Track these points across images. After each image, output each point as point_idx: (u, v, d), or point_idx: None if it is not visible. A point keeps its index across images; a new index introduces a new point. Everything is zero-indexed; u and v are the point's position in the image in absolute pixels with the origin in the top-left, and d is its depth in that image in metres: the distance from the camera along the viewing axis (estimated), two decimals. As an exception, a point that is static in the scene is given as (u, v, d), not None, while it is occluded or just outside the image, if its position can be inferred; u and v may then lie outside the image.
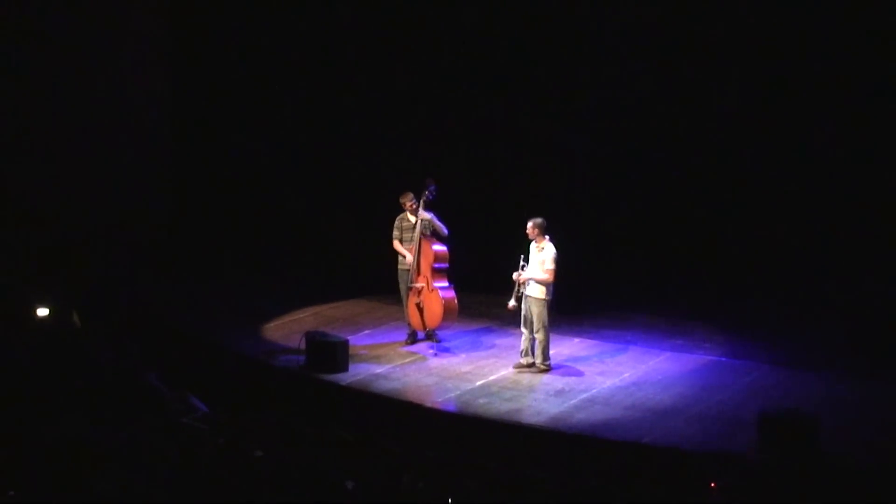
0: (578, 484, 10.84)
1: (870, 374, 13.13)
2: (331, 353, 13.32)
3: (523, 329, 13.33)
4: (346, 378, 13.13)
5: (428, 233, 14.05)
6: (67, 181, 16.98)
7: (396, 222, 14.21)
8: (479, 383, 13.01)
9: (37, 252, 16.15)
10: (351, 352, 13.56)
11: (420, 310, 14.06)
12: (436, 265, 13.96)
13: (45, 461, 9.58)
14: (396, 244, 14.21)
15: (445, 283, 14.02)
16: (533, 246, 13.18)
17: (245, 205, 18.49)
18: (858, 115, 14.63)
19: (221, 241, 18.16)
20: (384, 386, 12.92)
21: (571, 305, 15.18)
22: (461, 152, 17.01)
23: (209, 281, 17.24)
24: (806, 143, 15.04)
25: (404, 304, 14.29)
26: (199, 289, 16.93)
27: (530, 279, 13.04)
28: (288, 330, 14.88)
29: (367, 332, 15.01)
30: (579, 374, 13.32)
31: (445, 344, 14.33)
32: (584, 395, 12.57)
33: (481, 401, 12.43)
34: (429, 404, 12.48)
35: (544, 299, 13.09)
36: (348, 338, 13.85)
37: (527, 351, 13.37)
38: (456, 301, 14.03)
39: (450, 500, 9.40)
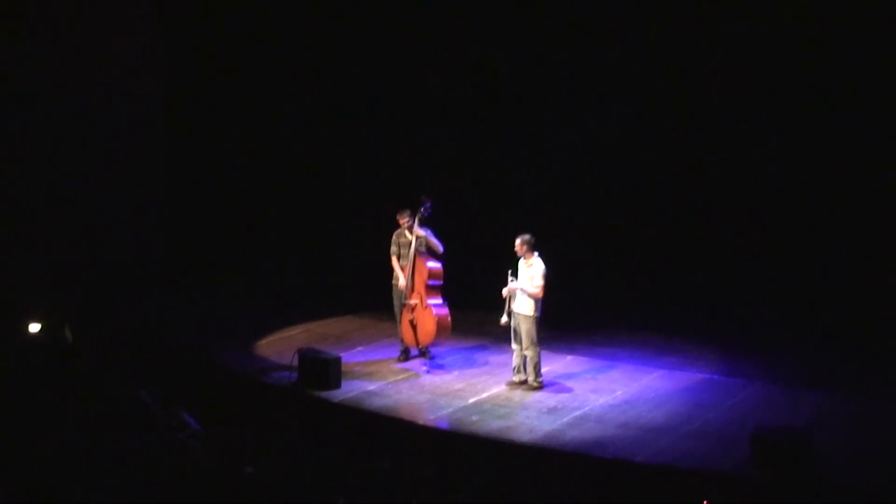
0: (571, 502, 10.84)
1: (863, 391, 13.13)
2: (323, 370, 13.29)
3: (514, 346, 13.33)
4: (338, 395, 13.11)
5: (423, 250, 14.05)
6: (60, 196, 16.94)
7: (394, 238, 14.26)
8: (471, 400, 13.00)
9: (29, 267, 16.10)
10: (343, 369, 13.53)
11: (413, 326, 14.06)
12: (430, 282, 13.96)
13: (37, 477, 9.54)
14: (394, 260, 14.22)
15: (439, 301, 14.02)
16: (522, 262, 13.19)
17: (237, 221, 18.48)
18: (849, 134, 14.70)
19: (214, 257, 18.15)
20: (376, 403, 12.90)
21: (564, 322, 15.20)
22: (454, 169, 17.04)
23: (201, 297, 17.22)
24: (798, 160, 15.10)
25: (398, 320, 14.28)
26: (192, 305, 16.92)
27: (518, 289, 13.04)
28: (280, 347, 14.87)
29: (359, 348, 15.00)
30: (572, 391, 13.31)
31: (438, 361, 14.33)
32: (577, 413, 12.56)
33: (474, 418, 12.42)
34: (421, 421, 12.46)
35: (533, 316, 13.10)
36: (341, 355, 13.83)
37: (519, 368, 13.36)
38: (449, 318, 14.03)
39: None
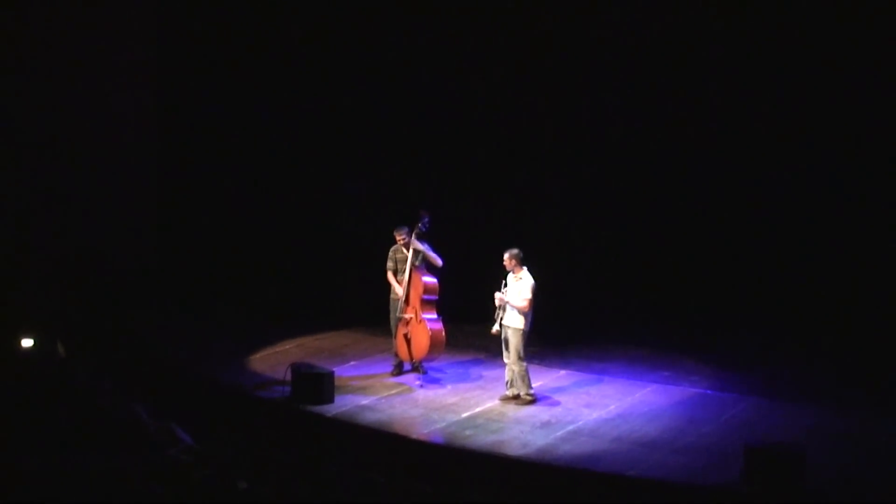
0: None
1: (856, 406, 13.13)
2: (316, 384, 13.27)
3: (506, 360, 13.33)
4: (331, 409, 13.09)
5: (419, 264, 14.06)
6: (52, 209, 16.92)
7: (390, 253, 14.29)
8: (465, 415, 12.99)
9: (22, 282, 16.07)
10: (337, 383, 13.51)
11: (408, 340, 14.06)
12: (425, 297, 13.97)
13: (29, 493, 9.50)
14: (390, 275, 14.24)
15: (434, 315, 14.02)
16: (510, 277, 13.21)
17: (232, 235, 18.47)
18: (844, 153, 14.77)
19: (207, 271, 18.12)
20: (370, 417, 12.88)
21: (558, 337, 15.25)
22: (448, 183, 17.05)
23: (194, 312, 17.18)
24: (793, 174, 15.16)
25: (393, 333, 14.28)
26: (185, 319, 16.88)
27: (508, 303, 13.07)
28: (273, 361, 14.83)
29: (352, 363, 14.98)
30: (565, 405, 13.30)
31: (432, 375, 14.32)
32: (571, 427, 12.55)
33: (467, 432, 12.40)
34: (414, 436, 12.45)
35: (522, 329, 13.12)
36: (334, 369, 13.81)
37: (512, 382, 13.36)
38: (443, 333, 14.03)
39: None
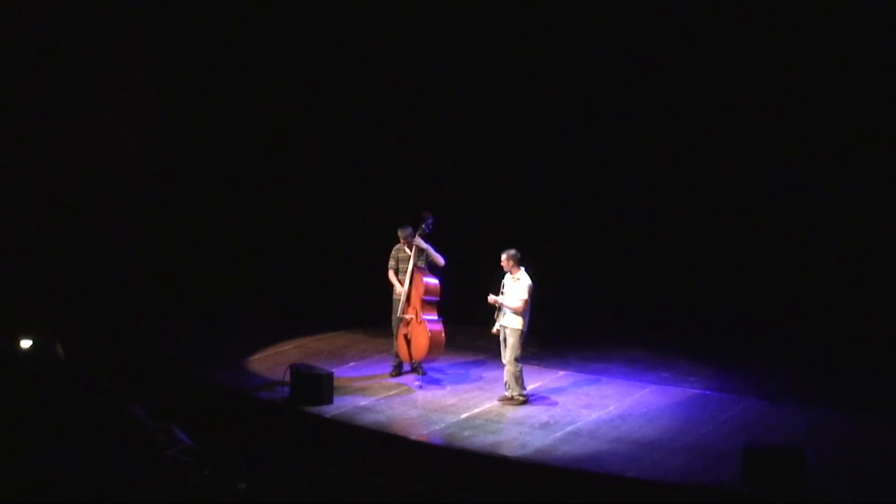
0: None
1: (856, 407, 13.13)
2: (316, 385, 13.25)
3: (504, 361, 13.33)
4: (330, 410, 13.07)
5: (422, 264, 14.06)
6: (51, 211, 16.92)
7: (393, 252, 14.29)
8: (464, 416, 12.98)
9: (20, 283, 16.06)
10: (336, 384, 13.49)
11: (408, 341, 14.05)
12: (426, 297, 13.96)
13: (29, 494, 9.47)
14: (391, 274, 14.24)
15: (434, 316, 14.01)
16: (508, 277, 13.21)
17: (231, 236, 18.46)
18: (843, 150, 14.76)
19: (206, 272, 18.10)
20: (369, 418, 12.86)
21: (557, 338, 15.24)
22: (448, 184, 17.05)
23: (193, 313, 17.16)
24: (792, 178, 15.15)
25: (394, 333, 14.29)
26: (184, 320, 16.85)
27: (503, 305, 13.07)
28: (272, 362, 14.80)
29: (352, 364, 14.96)
30: (564, 406, 13.30)
31: (432, 376, 14.31)
32: (569, 428, 12.55)
33: (466, 433, 12.39)
34: (414, 437, 12.44)
35: (520, 329, 13.12)
36: (333, 370, 13.80)
37: (508, 383, 13.33)
38: (443, 335, 14.00)
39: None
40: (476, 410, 13.16)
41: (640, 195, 16.19)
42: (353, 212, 17.87)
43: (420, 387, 13.96)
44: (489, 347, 14.30)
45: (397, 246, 14.27)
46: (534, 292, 13.09)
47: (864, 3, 14.62)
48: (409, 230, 14.10)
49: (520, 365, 13.24)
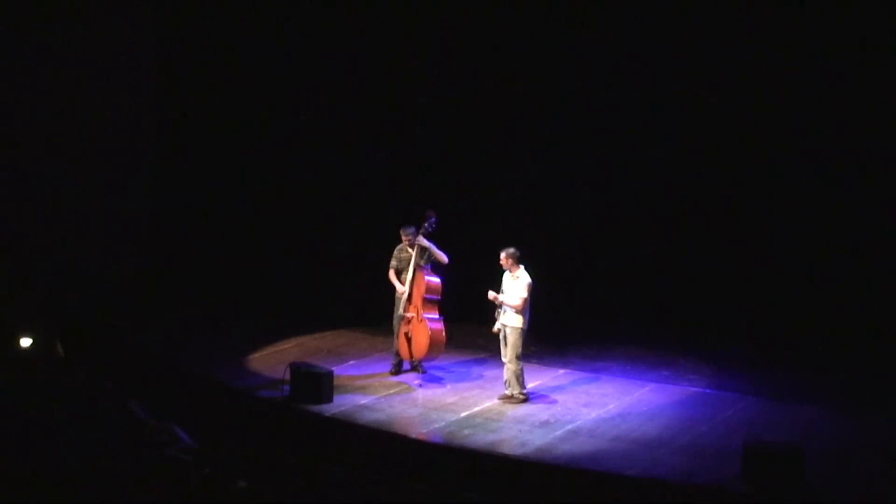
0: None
1: (856, 406, 13.13)
2: (315, 383, 13.25)
3: (504, 359, 13.33)
4: (330, 409, 13.07)
5: (424, 262, 14.05)
6: (50, 209, 16.91)
7: (395, 252, 14.29)
8: (463, 414, 12.98)
9: (20, 281, 16.06)
10: (336, 382, 13.49)
11: (408, 339, 14.05)
12: (427, 296, 13.95)
13: (29, 492, 9.47)
14: (391, 274, 14.23)
15: (435, 315, 14.00)
16: (507, 276, 13.21)
17: (230, 234, 18.45)
18: (843, 150, 14.75)
19: (206, 270, 18.10)
20: (369, 417, 12.86)
21: (557, 336, 15.25)
22: (448, 184, 17.03)
23: (193, 310, 17.16)
24: (791, 175, 15.14)
25: (395, 332, 14.28)
26: (183, 319, 16.85)
27: (503, 302, 13.07)
28: (272, 361, 14.81)
29: (351, 362, 14.97)
30: (564, 405, 13.30)
31: (432, 374, 14.31)
32: (569, 427, 12.55)
33: (466, 432, 12.39)
34: (413, 435, 12.43)
35: (520, 328, 13.12)
36: (333, 368, 13.80)
37: (509, 381, 13.34)
38: (443, 333, 13.99)
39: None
40: (476, 409, 13.16)
41: (640, 193, 16.16)
42: (352, 210, 17.83)
43: (420, 385, 13.96)
44: (489, 346, 14.31)
45: (399, 246, 14.26)
46: (534, 290, 13.08)
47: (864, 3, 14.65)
48: (411, 229, 14.10)
49: (521, 364, 13.23)
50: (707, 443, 12.08)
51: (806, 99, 14.85)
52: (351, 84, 17.90)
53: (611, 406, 13.27)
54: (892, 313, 14.42)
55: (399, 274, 14.24)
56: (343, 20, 17.87)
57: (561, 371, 14.63)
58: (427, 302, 13.96)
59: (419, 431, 12.52)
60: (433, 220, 13.99)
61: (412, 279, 14.03)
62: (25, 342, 13.78)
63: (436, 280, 14.02)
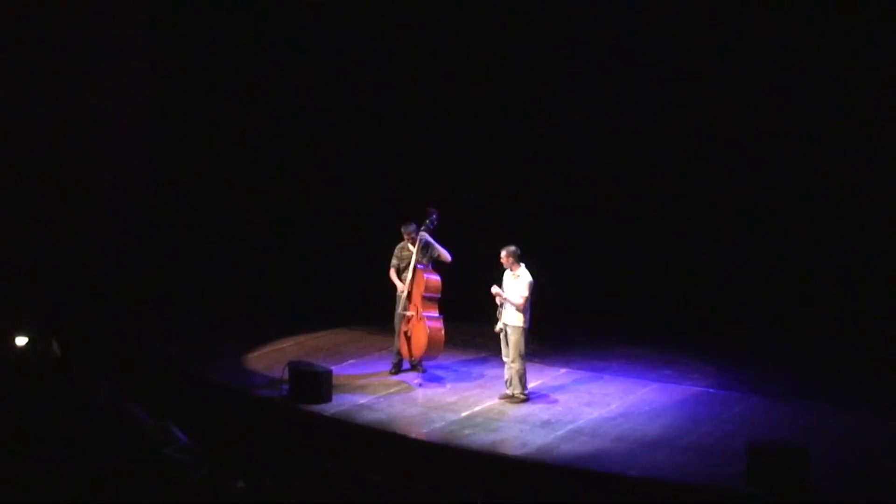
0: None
1: (859, 405, 13.09)
2: (314, 383, 13.19)
3: (505, 359, 13.27)
4: (329, 408, 13.01)
5: (425, 261, 13.97)
6: (47, 207, 16.88)
7: (396, 251, 14.19)
8: (464, 414, 12.92)
9: (16, 280, 16.00)
10: (335, 382, 13.43)
11: (408, 338, 13.97)
12: (426, 294, 13.87)
13: (25, 493, 9.40)
14: (392, 273, 14.15)
15: (435, 314, 13.91)
16: (508, 274, 13.14)
17: (228, 233, 18.41)
18: (844, 149, 14.79)
19: (204, 269, 18.05)
20: (368, 416, 12.80)
21: (558, 335, 15.22)
22: (449, 182, 17.00)
23: (190, 310, 17.08)
24: (793, 173, 15.19)
25: (396, 330, 14.20)
26: (181, 318, 16.78)
27: (506, 300, 13.01)
28: (270, 360, 14.74)
29: (351, 361, 14.90)
30: (566, 404, 13.24)
31: (432, 373, 14.24)
32: (571, 426, 12.49)
33: (466, 432, 12.34)
34: (413, 435, 12.37)
35: (522, 327, 13.06)
36: (332, 368, 13.73)
37: (511, 380, 13.27)
38: (443, 332, 13.90)
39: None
40: (477, 408, 13.10)
41: (643, 191, 16.20)
42: (351, 208, 17.81)
43: (420, 385, 13.89)
44: (490, 345, 14.24)
45: (400, 244, 14.17)
46: (535, 289, 13.01)
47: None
48: (412, 226, 14.00)
49: (525, 363, 13.15)
50: (710, 443, 12.03)
51: (806, 100, 14.93)
52: (350, 81, 17.88)
53: (613, 405, 13.21)
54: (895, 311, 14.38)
55: (400, 273, 14.13)
56: (346, 14, 17.83)
57: (562, 370, 14.57)
58: (427, 300, 13.87)
59: (419, 431, 12.47)
60: (435, 216, 13.90)
61: (412, 277, 13.95)
62: (21, 341, 13.72)
63: (436, 278, 13.94)
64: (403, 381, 14.04)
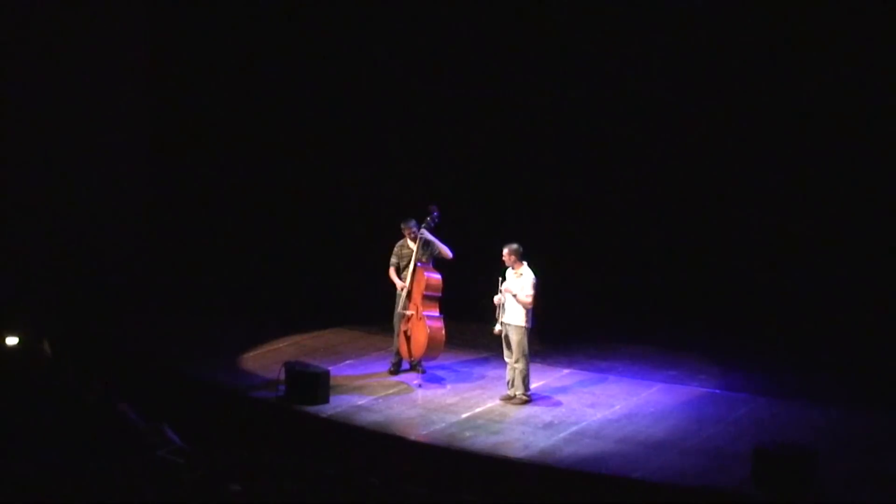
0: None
1: (868, 407, 13.05)
2: (311, 383, 13.11)
3: (507, 359, 13.20)
4: (327, 410, 12.94)
5: (426, 259, 13.83)
6: (38, 206, 16.85)
7: (396, 249, 14.05)
8: (465, 415, 12.83)
9: (6, 279, 15.95)
10: (332, 382, 13.36)
11: (408, 338, 13.84)
12: (427, 293, 13.74)
13: (17, 494, 9.41)
14: (391, 271, 14.00)
15: (435, 313, 13.80)
16: (510, 273, 13.04)
17: (224, 232, 18.39)
18: (846, 148, 14.79)
19: (199, 268, 18.01)
20: (367, 418, 12.72)
21: (562, 335, 15.22)
22: (449, 181, 16.97)
23: (186, 309, 17.02)
24: (797, 174, 15.19)
25: (395, 330, 14.07)
26: (175, 318, 16.72)
27: (510, 294, 12.89)
28: (267, 360, 14.68)
29: (349, 362, 14.83)
30: (569, 406, 13.17)
31: (432, 374, 14.16)
32: (574, 428, 12.42)
33: (467, 434, 12.26)
34: (413, 437, 12.31)
35: (524, 327, 12.99)
36: (329, 368, 13.67)
37: (513, 381, 13.20)
38: (443, 332, 13.78)
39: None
40: (478, 410, 13.02)
41: (646, 190, 16.22)
42: (350, 206, 17.80)
43: (419, 385, 13.79)
44: (491, 345, 14.15)
45: (400, 242, 14.03)
46: (538, 287, 12.90)
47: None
48: (412, 222, 13.85)
49: (528, 363, 13.05)
50: (716, 445, 11.97)
51: (807, 97, 14.92)
52: (350, 79, 17.86)
53: (617, 407, 13.14)
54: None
55: (400, 271, 13.98)
56: (345, 13, 17.80)
57: (565, 371, 14.51)
58: (427, 299, 13.73)
59: (419, 433, 12.39)
60: (436, 213, 13.79)
61: (412, 275, 13.79)
62: (11, 341, 13.70)
63: (436, 276, 13.81)
64: (403, 382, 13.96)
